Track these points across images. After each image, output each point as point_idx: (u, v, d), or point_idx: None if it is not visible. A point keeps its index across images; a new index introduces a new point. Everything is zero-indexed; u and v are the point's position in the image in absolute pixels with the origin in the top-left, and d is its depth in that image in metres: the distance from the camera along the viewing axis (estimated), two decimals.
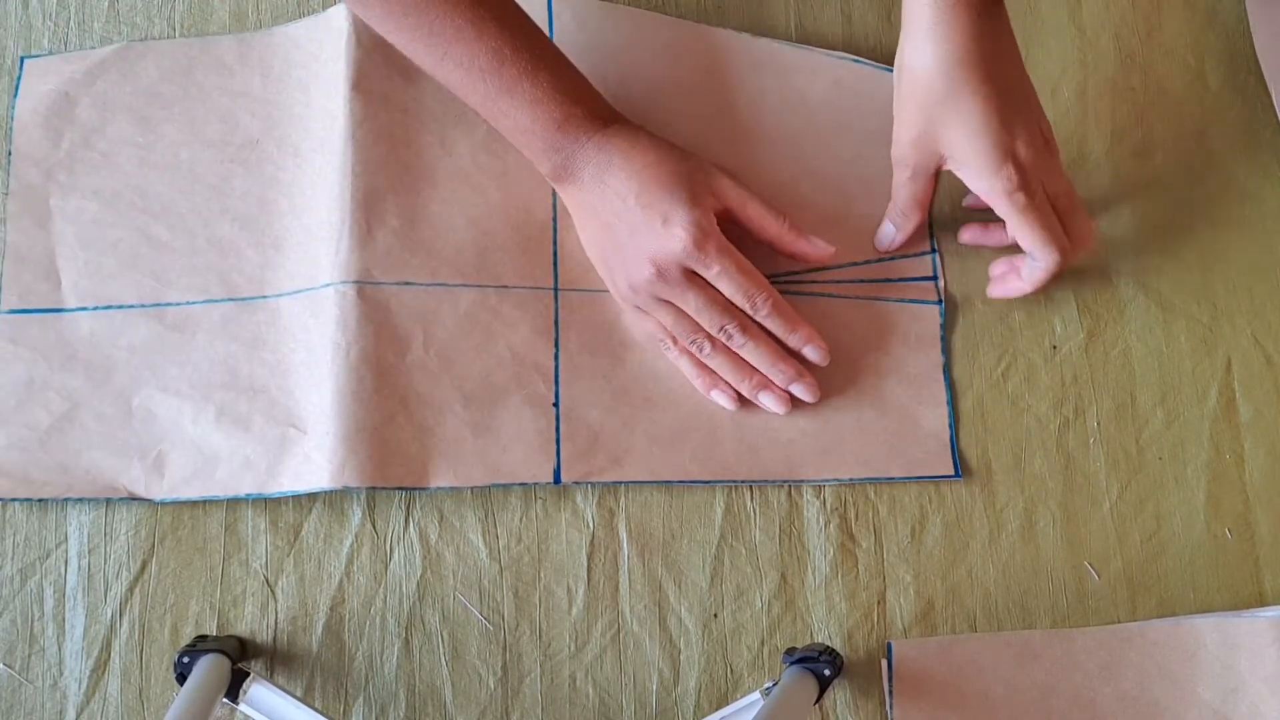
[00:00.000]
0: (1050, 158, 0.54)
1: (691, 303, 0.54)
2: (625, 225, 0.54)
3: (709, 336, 0.55)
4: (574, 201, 0.57)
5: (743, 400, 0.57)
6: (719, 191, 0.55)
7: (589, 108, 0.54)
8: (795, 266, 0.59)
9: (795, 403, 0.57)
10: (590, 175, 0.54)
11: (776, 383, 0.56)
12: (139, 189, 0.59)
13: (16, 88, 0.61)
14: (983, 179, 0.53)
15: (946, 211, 0.61)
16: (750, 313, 0.55)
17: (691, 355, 0.57)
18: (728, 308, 0.55)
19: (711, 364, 0.56)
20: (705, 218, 0.53)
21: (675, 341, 0.57)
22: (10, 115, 0.60)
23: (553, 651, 0.55)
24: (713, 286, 0.54)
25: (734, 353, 0.56)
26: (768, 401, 0.56)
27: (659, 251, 0.53)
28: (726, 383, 0.57)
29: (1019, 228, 0.54)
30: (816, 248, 0.56)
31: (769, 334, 0.56)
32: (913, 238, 0.60)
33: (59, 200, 0.59)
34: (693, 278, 0.54)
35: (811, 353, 0.56)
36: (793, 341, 0.56)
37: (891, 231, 0.59)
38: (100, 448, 0.55)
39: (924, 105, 0.52)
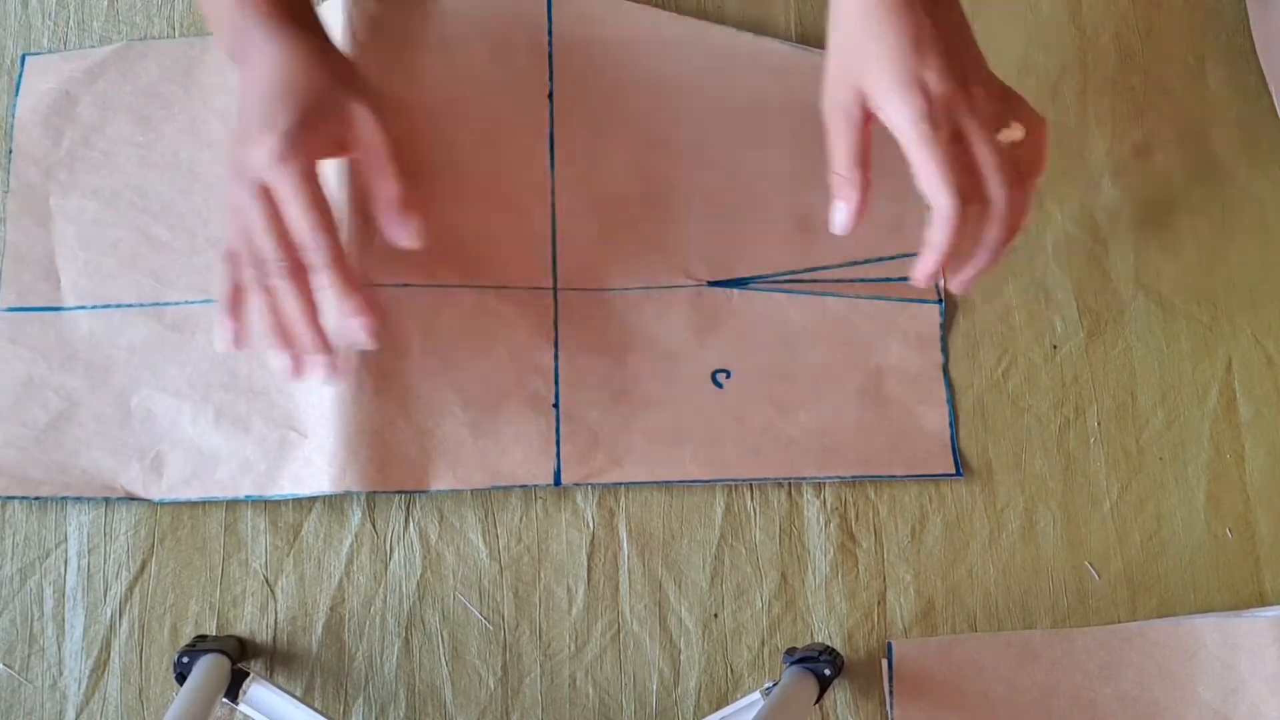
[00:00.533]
0: (971, 101, 0.49)
1: (255, 219, 0.48)
2: (244, 119, 0.49)
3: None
4: (237, 86, 0.52)
5: (244, 342, 0.49)
6: (352, 120, 0.49)
7: None
8: (796, 265, 0.59)
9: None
10: (252, 61, 0.50)
11: (297, 343, 0.49)
12: (139, 189, 0.59)
13: (18, 86, 0.61)
14: (891, 106, 0.48)
15: None
16: (307, 253, 0.48)
17: (237, 286, 0.49)
18: (286, 243, 0.48)
19: (251, 297, 0.49)
20: (309, 138, 0.47)
21: (236, 265, 0.49)
22: (11, 114, 0.60)
23: (553, 651, 0.55)
24: (281, 217, 0.48)
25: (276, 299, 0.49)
26: (272, 360, 0.49)
27: (244, 154, 0.48)
28: (242, 328, 0.49)
29: (917, 163, 0.48)
30: (401, 231, 0.50)
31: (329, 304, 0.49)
32: (912, 238, 0.59)
33: (59, 199, 0.59)
34: (265, 196, 0.47)
35: (356, 326, 0.48)
36: (345, 307, 0.48)
37: (843, 209, 0.51)
38: (98, 447, 0.55)
39: (847, 41, 0.49)
